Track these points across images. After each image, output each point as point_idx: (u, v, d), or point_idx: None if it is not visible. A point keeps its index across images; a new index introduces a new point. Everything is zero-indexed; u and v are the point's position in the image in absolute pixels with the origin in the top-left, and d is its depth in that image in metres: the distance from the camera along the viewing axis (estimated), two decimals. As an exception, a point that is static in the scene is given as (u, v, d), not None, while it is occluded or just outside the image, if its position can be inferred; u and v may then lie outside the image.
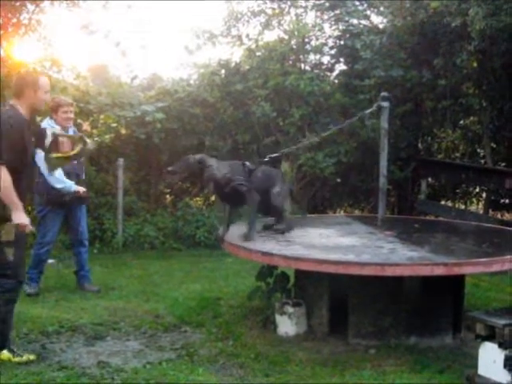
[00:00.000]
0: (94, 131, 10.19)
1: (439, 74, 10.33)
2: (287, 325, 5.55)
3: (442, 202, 11.97)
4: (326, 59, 11.53)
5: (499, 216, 11.49)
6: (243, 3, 11.56)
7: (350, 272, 4.83)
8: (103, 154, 10.03)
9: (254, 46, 11.26)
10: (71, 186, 6.56)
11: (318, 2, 11.29)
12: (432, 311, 5.39)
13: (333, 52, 11.46)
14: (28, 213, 4.82)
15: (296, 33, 10.71)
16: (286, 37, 10.97)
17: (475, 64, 10.36)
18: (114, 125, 10.14)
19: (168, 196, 11.46)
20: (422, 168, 11.18)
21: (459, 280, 5.63)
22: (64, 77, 10.63)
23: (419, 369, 4.77)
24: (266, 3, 11.38)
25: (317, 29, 11.22)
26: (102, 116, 10.20)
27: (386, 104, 6.46)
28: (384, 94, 6.66)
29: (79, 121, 9.40)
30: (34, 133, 4.86)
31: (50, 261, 7.51)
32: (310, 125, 10.44)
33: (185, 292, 7.04)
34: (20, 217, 4.52)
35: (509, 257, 4.93)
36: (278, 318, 5.61)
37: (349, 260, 4.97)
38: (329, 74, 11.57)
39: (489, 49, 9.50)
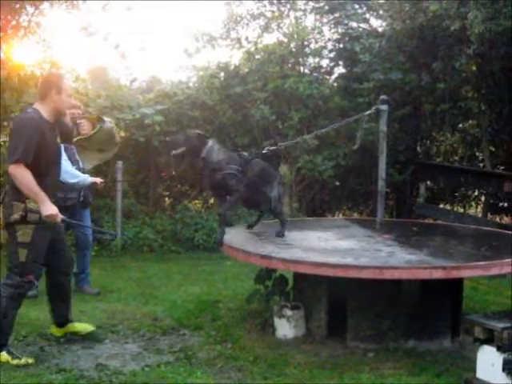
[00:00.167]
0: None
1: (438, 78, 10.35)
2: (286, 328, 5.54)
3: (441, 206, 11.98)
4: (325, 62, 11.59)
5: (498, 219, 11.49)
6: (243, 6, 11.59)
7: (348, 275, 4.82)
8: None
9: (253, 49, 11.28)
10: (86, 178, 6.34)
11: (317, 5, 11.32)
12: (430, 314, 5.39)
13: (332, 55, 11.50)
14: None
15: (295, 36, 10.74)
16: (286, 40, 11.00)
17: (474, 67, 10.39)
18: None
19: (167, 199, 11.47)
20: (420, 171, 11.19)
21: (458, 283, 5.63)
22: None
23: (417, 372, 4.76)
24: (265, 6, 11.41)
25: (316, 32, 11.26)
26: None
27: (384, 107, 6.47)
28: (383, 97, 6.67)
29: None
30: (62, 133, 4.94)
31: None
32: (309, 128, 10.45)
33: (183, 295, 7.04)
34: (47, 208, 4.61)
35: (507, 260, 4.93)
36: (277, 321, 5.61)
37: (347, 263, 4.96)
38: (328, 77, 11.60)
39: (488, 52, 9.52)
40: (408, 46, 10.76)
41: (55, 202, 4.78)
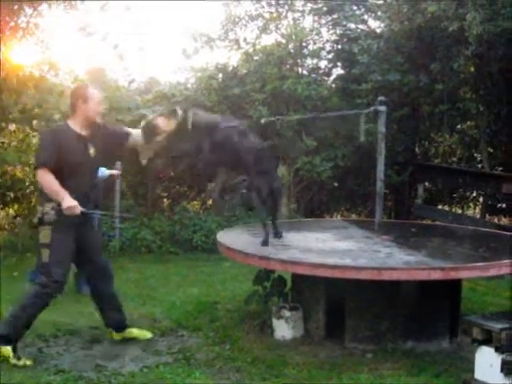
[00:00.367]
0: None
1: (436, 79, 10.36)
2: (284, 329, 5.54)
3: (439, 207, 11.99)
4: (323, 63, 11.59)
5: (496, 220, 11.50)
6: (241, 7, 11.60)
7: (346, 276, 4.82)
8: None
9: (251, 50, 11.28)
10: (103, 171, 6.32)
11: (315, 7, 11.33)
12: (429, 315, 5.39)
13: (330, 56, 11.49)
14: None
15: (293, 37, 10.74)
16: (284, 41, 10.99)
17: (472, 69, 10.40)
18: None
19: (165, 200, 11.46)
20: (419, 172, 11.20)
21: (456, 284, 5.64)
22: (61, 80, 10.64)
23: (416, 373, 4.76)
24: (263, 7, 11.43)
25: (314, 33, 11.27)
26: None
27: (382, 108, 6.48)
28: (381, 98, 6.67)
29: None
30: (106, 143, 5.24)
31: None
32: (307, 129, 10.46)
33: (182, 296, 7.04)
34: (66, 202, 4.86)
35: (506, 261, 4.93)
36: (275, 322, 5.61)
37: (345, 264, 4.96)
38: (326, 78, 11.61)
39: (486, 53, 9.53)
40: (406, 47, 10.76)
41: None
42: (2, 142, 10.19)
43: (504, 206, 11.49)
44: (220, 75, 10.99)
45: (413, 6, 10.43)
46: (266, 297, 6.05)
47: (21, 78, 9.32)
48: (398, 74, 10.40)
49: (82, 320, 5.96)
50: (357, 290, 5.28)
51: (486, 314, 5.12)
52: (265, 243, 5.47)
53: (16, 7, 9.24)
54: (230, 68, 11.10)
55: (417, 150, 12.00)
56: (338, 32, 11.29)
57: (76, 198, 4.93)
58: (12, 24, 9.34)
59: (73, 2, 10.15)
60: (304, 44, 11.10)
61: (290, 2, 11.24)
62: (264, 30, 11.30)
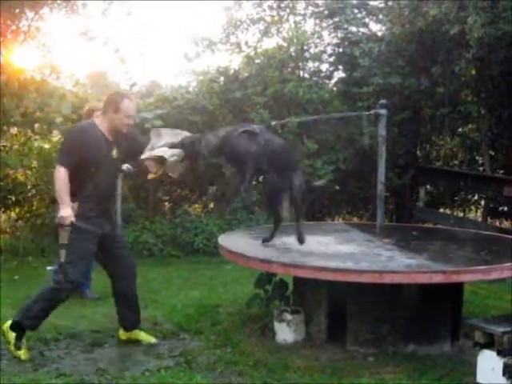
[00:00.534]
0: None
1: (437, 82, 10.35)
2: (286, 332, 5.54)
3: (441, 210, 11.96)
4: (324, 67, 11.58)
5: (498, 223, 11.48)
6: (242, 11, 11.61)
7: (348, 279, 4.83)
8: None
9: (252, 54, 11.29)
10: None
11: (316, 10, 11.35)
12: (430, 319, 5.38)
13: (331, 59, 11.49)
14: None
15: (295, 40, 10.75)
16: (285, 44, 11.01)
17: (473, 72, 10.39)
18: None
19: (167, 203, 11.46)
20: (420, 175, 11.18)
21: (458, 288, 5.63)
22: (63, 84, 10.66)
23: (417, 376, 4.75)
24: (265, 11, 11.44)
25: (316, 36, 11.28)
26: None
27: (383, 111, 6.47)
28: (382, 101, 6.67)
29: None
30: (129, 150, 5.35)
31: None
32: (308, 132, 10.46)
33: (183, 299, 7.03)
34: (63, 210, 4.95)
35: (507, 264, 4.93)
36: (277, 326, 5.60)
37: (347, 267, 4.97)
38: (327, 81, 11.60)
39: (487, 57, 9.52)
40: (407, 50, 10.76)
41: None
42: (4, 146, 10.20)
43: (506, 209, 11.47)
44: (221, 78, 10.99)
45: (414, 10, 10.44)
46: (267, 300, 6.04)
47: (22, 81, 9.33)
48: (399, 77, 10.40)
49: (83, 323, 5.96)
50: (358, 293, 5.27)
51: (488, 317, 5.11)
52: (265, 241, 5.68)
53: (17, 11, 9.27)
54: (232, 71, 11.10)
55: (418, 152, 11.97)
56: (339, 35, 11.30)
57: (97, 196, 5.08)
58: (13, 27, 9.38)
59: (74, 7, 10.17)
60: (305, 47, 11.11)
61: (291, 5, 11.25)
62: (265, 33, 11.32)
